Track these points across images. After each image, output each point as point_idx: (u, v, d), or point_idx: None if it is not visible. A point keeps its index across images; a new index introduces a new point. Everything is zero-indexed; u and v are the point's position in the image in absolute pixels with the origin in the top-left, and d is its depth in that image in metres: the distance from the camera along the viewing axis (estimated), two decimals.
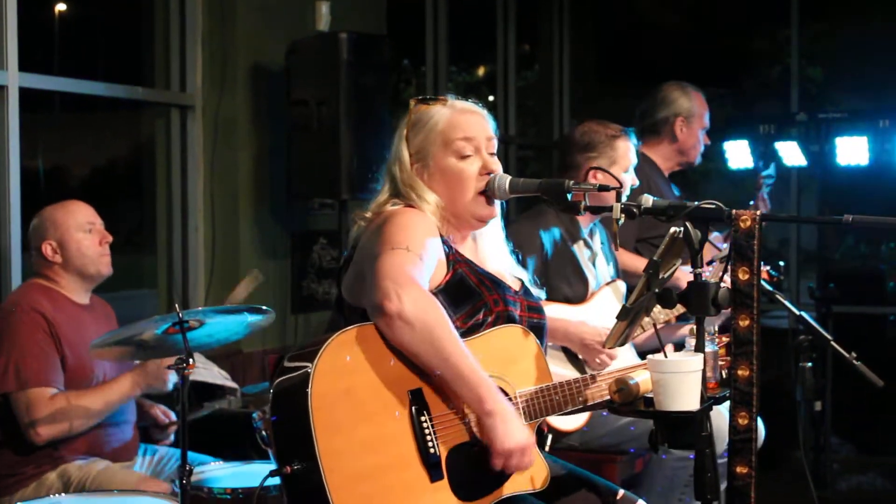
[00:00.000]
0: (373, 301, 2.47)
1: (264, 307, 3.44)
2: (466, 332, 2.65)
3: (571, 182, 2.65)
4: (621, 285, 4.02)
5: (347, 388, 2.43)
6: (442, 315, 2.48)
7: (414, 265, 2.53)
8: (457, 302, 2.66)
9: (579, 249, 3.96)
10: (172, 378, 3.55)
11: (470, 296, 2.70)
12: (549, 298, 3.82)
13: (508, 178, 2.76)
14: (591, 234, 4.05)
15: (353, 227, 2.83)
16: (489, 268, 2.84)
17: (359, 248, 2.74)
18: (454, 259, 2.73)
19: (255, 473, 3.47)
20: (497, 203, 2.81)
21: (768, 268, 3.82)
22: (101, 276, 3.81)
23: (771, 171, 5.21)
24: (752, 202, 5.00)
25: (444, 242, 2.74)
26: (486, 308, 2.70)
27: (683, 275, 2.93)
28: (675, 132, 4.81)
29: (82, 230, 3.75)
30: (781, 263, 4.13)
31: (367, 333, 2.48)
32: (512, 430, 2.49)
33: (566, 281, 3.90)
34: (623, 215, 2.51)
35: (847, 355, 3.35)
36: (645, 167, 4.68)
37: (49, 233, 3.76)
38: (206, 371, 4.23)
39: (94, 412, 3.59)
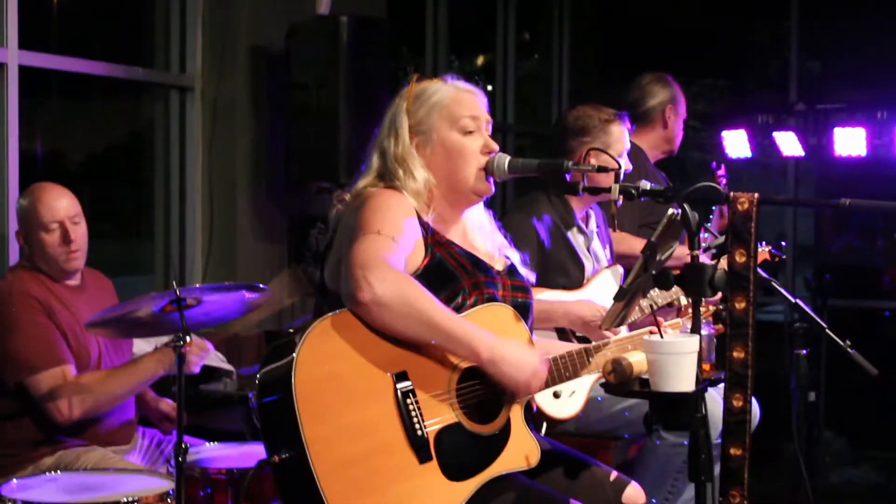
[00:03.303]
0: (347, 292, 2.48)
1: (261, 285, 3.43)
2: None
3: (570, 162, 2.66)
4: (619, 268, 4.01)
5: (331, 375, 2.43)
6: (414, 286, 2.50)
7: (385, 247, 2.53)
8: (436, 285, 2.63)
9: (573, 236, 3.95)
10: (198, 360, 3.51)
11: (449, 279, 2.69)
12: (547, 286, 3.83)
13: (508, 157, 2.76)
14: (586, 218, 4.03)
15: (332, 210, 2.81)
16: (479, 248, 2.84)
17: (337, 233, 2.74)
18: (433, 242, 2.71)
19: (250, 454, 3.49)
20: (492, 182, 2.80)
21: (769, 247, 3.79)
22: (68, 272, 3.68)
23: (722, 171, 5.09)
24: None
25: (423, 224, 2.72)
26: (465, 291, 2.69)
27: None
28: (666, 119, 4.90)
29: (44, 229, 3.61)
30: (783, 243, 4.11)
31: (347, 320, 2.48)
32: (519, 365, 2.56)
33: (563, 269, 3.88)
34: (621, 196, 2.53)
35: (841, 343, 3.37)
36: (639, 154, 4.69)
37: (20, 223, 3.69)
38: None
39: (121, 393, 3.56)
